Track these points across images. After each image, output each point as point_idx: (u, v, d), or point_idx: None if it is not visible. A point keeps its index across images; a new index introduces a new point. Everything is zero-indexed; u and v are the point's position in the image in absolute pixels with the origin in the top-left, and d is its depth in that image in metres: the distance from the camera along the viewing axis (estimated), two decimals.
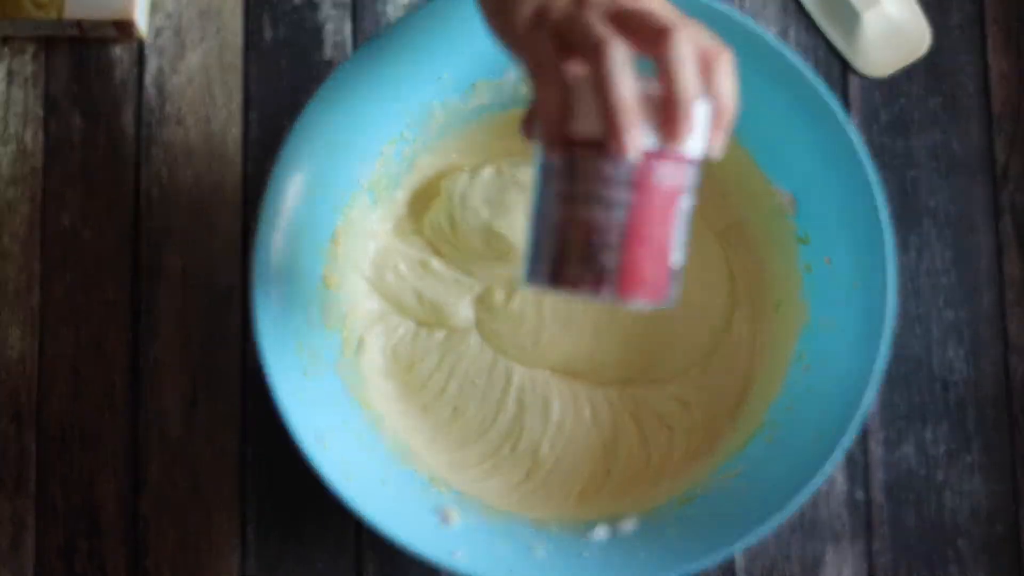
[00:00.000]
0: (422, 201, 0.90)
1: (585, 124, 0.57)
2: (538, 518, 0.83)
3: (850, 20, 0.93)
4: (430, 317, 0.89)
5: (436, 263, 0.89)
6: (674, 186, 0.59)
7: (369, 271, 0.88)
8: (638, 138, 0.55)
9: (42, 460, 0.89)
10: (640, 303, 0.59)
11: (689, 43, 0.56)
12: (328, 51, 0.94)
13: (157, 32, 0.94)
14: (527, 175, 0.89)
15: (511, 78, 0.85)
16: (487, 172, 0.88)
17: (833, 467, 0.77)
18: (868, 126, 0.94)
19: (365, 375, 0.86)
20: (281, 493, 0.89)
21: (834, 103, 0.78)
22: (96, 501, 0.89)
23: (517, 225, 0.87)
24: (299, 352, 0.79)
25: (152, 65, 0.94)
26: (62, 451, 0.90)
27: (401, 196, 0.89)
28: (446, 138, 0.89)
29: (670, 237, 0.59)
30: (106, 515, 0.89)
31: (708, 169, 0.90)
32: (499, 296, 0.88)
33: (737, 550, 0.76)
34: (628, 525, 0.81)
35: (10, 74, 0.93)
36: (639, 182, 0.57)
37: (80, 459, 0.90)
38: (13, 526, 0.89)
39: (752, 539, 0.75)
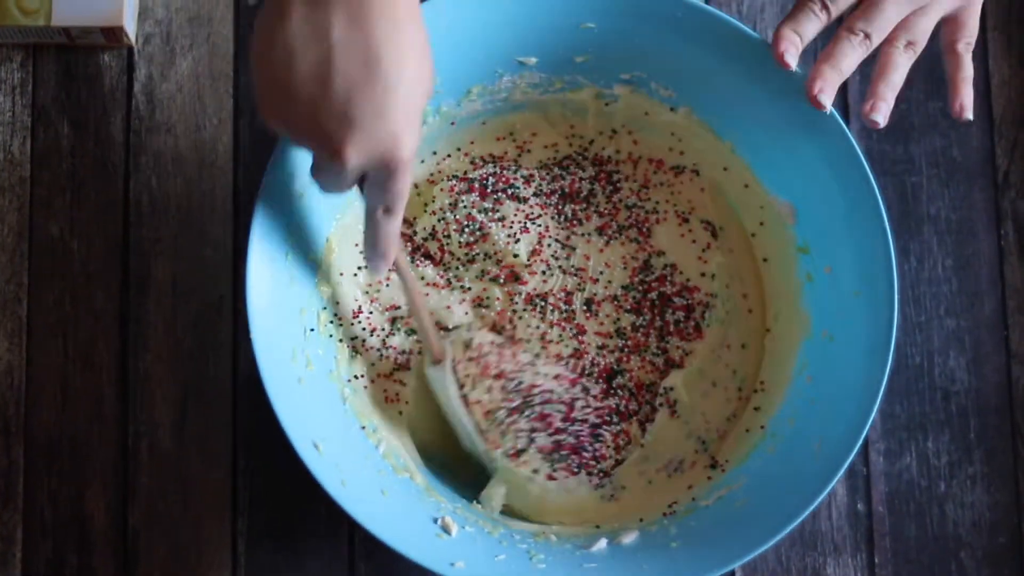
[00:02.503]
0: (415, 208, 0.89)
1: None
2: (538, 529, 0.83)
3: None
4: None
5: (430, 270, 0.88)
6: None
7: (363, 278, 0.87)
8: None
9: (30, 472, 0.89)
10: None
11: None
12: None
13: (146, 39, 0.93)
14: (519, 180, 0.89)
15: (506, 83, 0.84)
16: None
17: (836, 481, 0.76)
18: (868, 133, 0.94)
19: (360, 384, 0.85)
20: (273, 505, 0.89)
21: (832, 111, 0.78)
22: (86, 513, 0.88)
23: (510, 230, 0.87)
24: (294, 360, 0.78)
25: (141, 72, 0.93)
26: (50, 463, 0.89)
27: None
28: (439, 144, 0.88)
29: None
30: (96, 527, 0.88)
31: (706, 179, 0.91)
32: (495, 301, 0.88)
33: (738, 564, 0.76)
34: (629, 537, 0.80)
35: None
36: None
37: (69, 471, 0.89)
38: (1, 539, 0.88)
39: (751, 556, 0.75)
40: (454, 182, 0.88)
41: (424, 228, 0.88)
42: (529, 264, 0.88)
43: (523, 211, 0.88)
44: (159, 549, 0.88)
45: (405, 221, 0.89)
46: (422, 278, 0.87)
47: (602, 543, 0.80)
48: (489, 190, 0.87)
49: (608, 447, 0.86)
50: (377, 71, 0.63)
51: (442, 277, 0.88)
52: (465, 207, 0.87)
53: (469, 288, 0.88)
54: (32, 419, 0.89)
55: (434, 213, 0.87)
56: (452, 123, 0.87)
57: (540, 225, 0.88)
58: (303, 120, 0.65)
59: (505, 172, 0.88)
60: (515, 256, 0.87)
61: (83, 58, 0.93)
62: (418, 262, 0.88)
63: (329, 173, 0.68)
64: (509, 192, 0.88)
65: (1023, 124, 0.95)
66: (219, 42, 0.94)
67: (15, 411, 0.89)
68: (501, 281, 0.88)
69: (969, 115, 0.77)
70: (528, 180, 0.88)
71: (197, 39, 0.94)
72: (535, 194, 0.88)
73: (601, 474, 0.86)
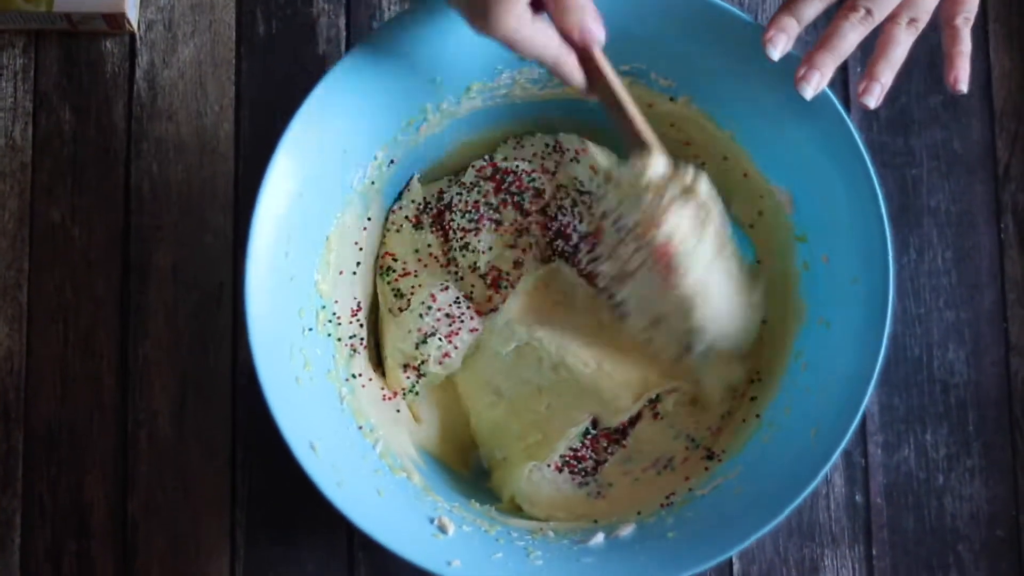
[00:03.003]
0: (440, 180, 0.89)
1: None
2: (535, 525, 0.83)
3: None
4: None
5: (436, 242, 0.88)
6: None
7: (361, 276, 0.87)
8: None
9: (30, 460, 0.89)
10: None
11: None
12: (322, 45, 0.93)
13: (148, 25, 0.93)
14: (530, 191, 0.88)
15: (505, 80, 0.84)
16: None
17: (831, 469, 0.76)
18: (868, 124, 0.94)
19: (357, 383, 0.85)
20: (271, 496, 0.89)
21: (833, 100, 0.78)
22: (85, 502, 0.88)
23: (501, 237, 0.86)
24: (292, 359, 0.78)
25: (143, 59, 0.93)
26: (50, 451, 0.89)
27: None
28: (441, 142, 0.87)
29: None
30: (94, 516, 0.88)
31: (706, 169, 0.90)
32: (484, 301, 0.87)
33: (735, 553, 0.75)
34: (626, 530, 0.80)
35: None
36: None
37: (68, 459, 0.89)
38: (0, 527, 0.88)
39: (750, 542, 0.74)
40: (484, 163, 0.88)
41: (447, 195, 0.88)
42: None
43: (519, 223, 0.87)
44: (158, 540, 0.88)
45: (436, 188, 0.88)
46: (428, 245, 0.87)
47: (599, 537, 0.79)
48: (503, 187, 0.87)
49: (586, 448, 0.86)
50: None
51: (444, 255, 0.88)
52: (479, 192, 0.87)
53: (462, 278, 0.88)
54: (32, 406, 0.89)
55: (462, 184, 0.87)
56: (453, 120, 0.87)
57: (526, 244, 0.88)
58: None
59: (522, 178, 0.88)
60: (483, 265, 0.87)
61: (85, 44, 0.93)
62: (433, 229, 0.87)
63: None
64: (515, 200, 0.87)
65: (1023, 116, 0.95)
66: (221, 29, 0.94)
67: (15, 398, 0.89)
68: (488, 282, 0.87)
69: (963, 87, 0.77)
70: (539, 194, 0.88)
71: (199, 26, 0.94)
72: (538, 211, 0.88)
73: (583, 473, 0.86)
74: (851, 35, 0.75)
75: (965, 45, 0.77)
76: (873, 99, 0.76)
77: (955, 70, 0.77)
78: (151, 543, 0.88)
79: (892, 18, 0.76)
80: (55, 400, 0.89)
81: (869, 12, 0.74)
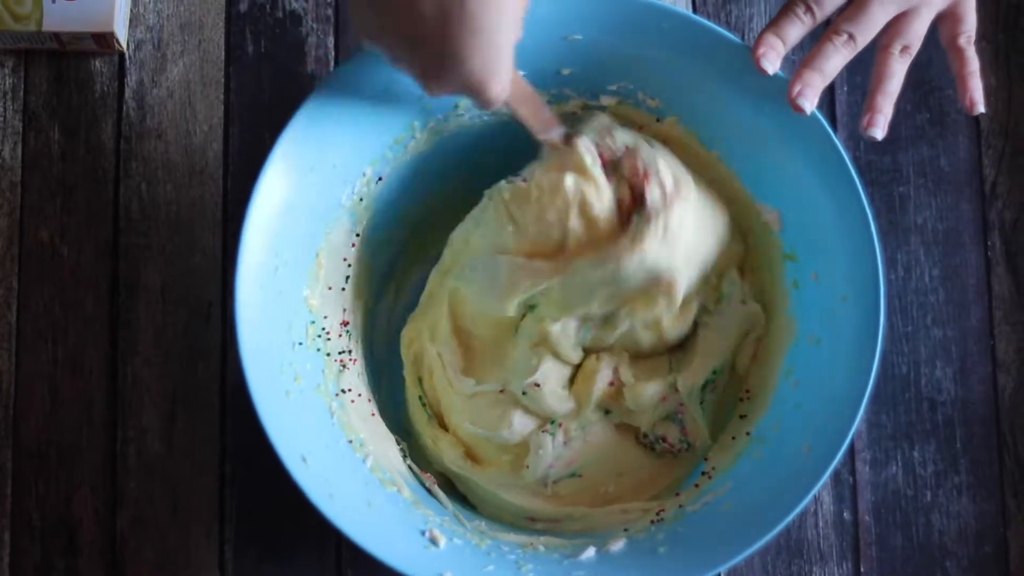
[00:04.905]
0: None
1: None
2: (526, 539, 0.83)
3: None
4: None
5: None
6: None
7: (350, 293, 0.87)
8: None
9: (19, 477, 0.89)
10: None
11: None
12: (311, 65, 0.93)
13: (137, 45, 0.93)
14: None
15: None
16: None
17: (821, 487, 0.76)
18: (855, 142, 0.94)
19: (347, 398, 0.85)
20: (260, 512, 0.88)
21: (820, 119, 0.78)
22: (73, 518, 0.88)
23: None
24: (282, 372, 0.78)
25: (132, 78, 0.93)
26: (39, 468, 0.89)
27: None
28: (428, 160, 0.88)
29: None
30: (83, 532, 0.88)
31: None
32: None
33: (725, 569, 0.76)
34: (617, 544, 0.80)
35: None
36: None
37: (57, 476, 0.89)
38: None
39: (740, 558, 0.74)
40: None
41: None
42: None
43: None
44: (146, 555, 0.88)
45: None
46: None
47: (590, 551, 0.79)
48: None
49: None
50: (464, 14, 0.65)
51: None
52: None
53: None
54: (21, 424, 0.89)
55: None
56: (440, 137, 0.87)
57: None
58: (397, 46, 0.69)
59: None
60: None
61: (74, 64, 0.93)
62: None
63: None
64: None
65: (1010, 135, 0.95)
66: (210, 48, 0.94)
67: (4, 416, 0.89)
68: None
69: (981, 108, 0.78)
70: None
71: (188, 45, 0.94)
72: None
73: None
74: (835, 58, 0.75)
75: (973, 64, 0.77)
76: (879, 130, 0.76)
77: (969, 91, 0.78)
78: (140, 559, 0.88)
79: (885, 47, 0.76)
80: (44, 418, 0.89)
81: (851, 37, 0.75)
